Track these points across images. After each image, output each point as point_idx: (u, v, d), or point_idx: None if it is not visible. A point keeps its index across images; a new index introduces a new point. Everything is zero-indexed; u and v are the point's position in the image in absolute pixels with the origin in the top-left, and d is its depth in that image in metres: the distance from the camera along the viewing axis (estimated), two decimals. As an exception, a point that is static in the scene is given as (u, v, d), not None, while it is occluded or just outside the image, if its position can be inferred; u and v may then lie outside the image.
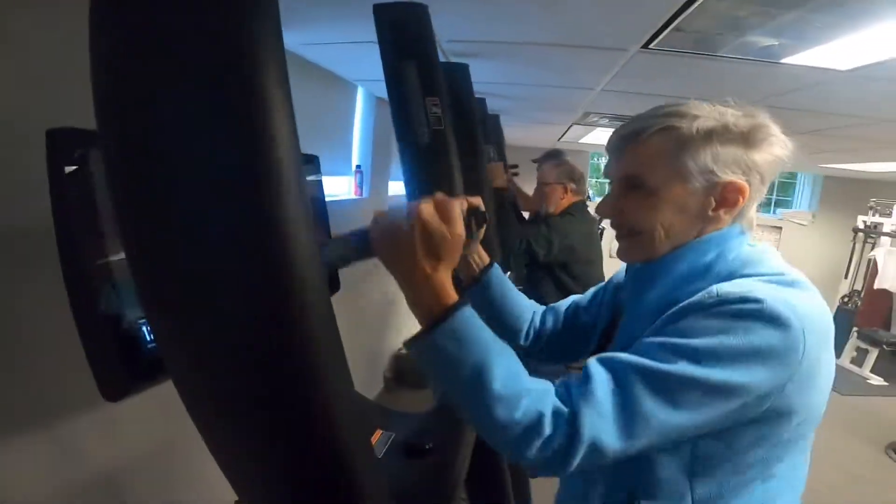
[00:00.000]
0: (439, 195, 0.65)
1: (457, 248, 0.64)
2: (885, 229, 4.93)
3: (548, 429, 0.58)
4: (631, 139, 0.71)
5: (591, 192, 6.04)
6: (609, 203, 0.75)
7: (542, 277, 2.33)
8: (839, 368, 4.83)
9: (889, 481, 3.09)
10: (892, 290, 4.92)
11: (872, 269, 4.99)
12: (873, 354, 4.65)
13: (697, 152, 0.67)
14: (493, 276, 0.95)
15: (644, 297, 0.73)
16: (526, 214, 3.70)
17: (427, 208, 0.62)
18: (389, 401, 3.52)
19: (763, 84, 2.01)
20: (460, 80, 2.11)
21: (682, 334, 0.60)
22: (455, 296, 0.62)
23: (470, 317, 0.61)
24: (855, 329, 4.86)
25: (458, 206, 0.65)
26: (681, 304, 0.64)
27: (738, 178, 0.68)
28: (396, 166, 2.61)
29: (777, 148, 0.69)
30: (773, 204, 6.23)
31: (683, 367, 0.58)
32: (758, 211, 0.78)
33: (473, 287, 0.94)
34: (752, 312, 0.58)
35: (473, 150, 1.87)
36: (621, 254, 0.77)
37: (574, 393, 0.60)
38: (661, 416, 0.58)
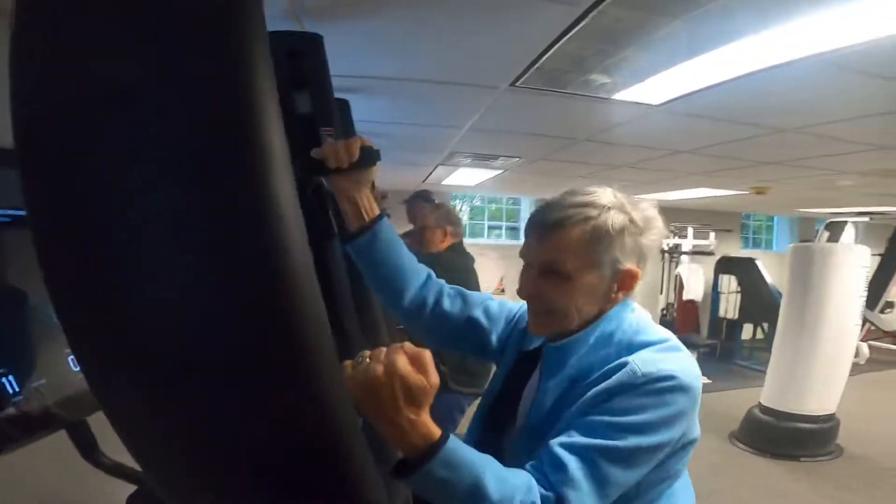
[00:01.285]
0: (409, 346, 0.65)
1: (433, 394, 0.65)
2: (684, 249, 6.07)
3: None
4: (554, 228, 0.79)
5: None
6: (529, 284, 0.83)
7: None
8: None
9: (750, 466, 3.41)
10: (696, 300, 6.01)
11: (679, 284, 6.05)
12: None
13: (610, 246, 0.78)
14: (381, 227, 0.93)
15: (561, 373, 0.82)
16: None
17: (403, 362, 0.62)
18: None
19: (598, 119, 2.42)
20: (343, 116, 2.14)
21: (625, 413, 0.71)
22: (437, 430, 0.65)
23: (455, 444, 0.66)
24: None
25: (429, 355, 0.66)
26: (608, 383, 0.74)
27: (634, 265, 0.81)
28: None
29: (659, 232, 0.83)
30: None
31: (633, 441, 0.70)
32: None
33: (363, 235, 0.92)
34: (671, 388, 0.72)
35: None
36: (535, 328, 0.87)
37: (554, 480, 0.69)
38: (623, 480, 0.71)
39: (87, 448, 0.72)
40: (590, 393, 0.74)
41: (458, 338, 1.02)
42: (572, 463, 0.69)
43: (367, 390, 0.61)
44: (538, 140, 2.87)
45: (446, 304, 1.00)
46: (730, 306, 6.47)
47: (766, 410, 3.64)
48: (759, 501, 2.93)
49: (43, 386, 0.63)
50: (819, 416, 3.49)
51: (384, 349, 0.63)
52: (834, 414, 3.55)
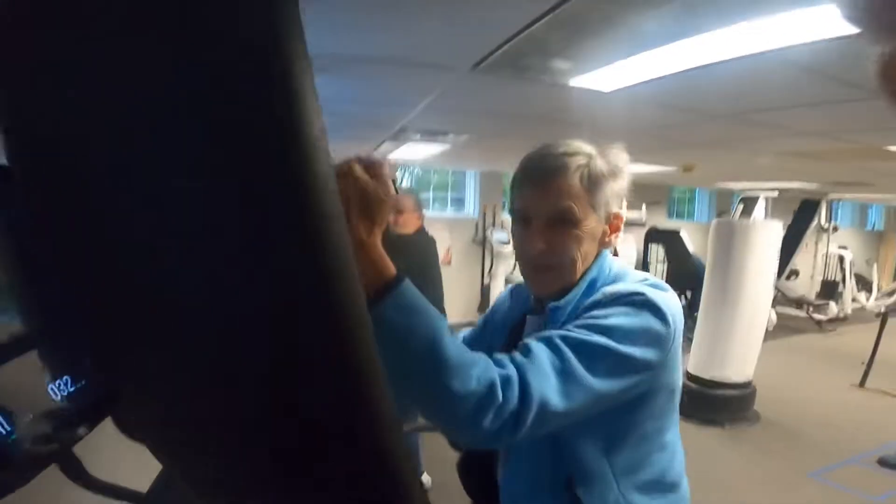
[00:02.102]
0: (364, 152, 0.60)
1: (388, 211, 0.59)
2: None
3: (500, 396, 0.60)
4: (557, 175, 0.79)
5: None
6: (536, 239, 0.80)
7: None
8: None
9: (681, 433, 3.69)
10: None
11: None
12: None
13: (603, 189, 0.80)
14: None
15: (557, 304, 0.82)
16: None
17: (358, 167, 0.56)
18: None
19: (553, 103, 2.45)
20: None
21: (594, 318, 0.72)
22: (392, 266, 0.59)
23: (412, 286, 0.60)
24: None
25: (386, 166, 0.60)
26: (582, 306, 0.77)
27: (619, 208, 0.85)
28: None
29: (628, 175, 0.85)
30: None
31: (599, 339, 0.69)
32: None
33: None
34: (641, 302, 0.73)
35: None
36: (542, 287, 0.85)
37: (518, 361, 0.65)
38: (588, 382, 0.67)
39: (77, 473, 0.67)
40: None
41: None
42: (539, 347, 0.67)
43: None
44: (491, 119, 2.88)
45: None
46: (658, 275, 6.95)
47: (692, 378, 3.95)
48: (695, 467, 3.21)
49: (31, 421, 0.58)
50: (740, 384, 3.86)
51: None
52: (751, 381, 3.94)
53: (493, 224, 6.61)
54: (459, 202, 7.11)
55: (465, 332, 1.07)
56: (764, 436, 3.66)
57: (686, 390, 3.93)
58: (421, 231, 2.50)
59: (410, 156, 4.53)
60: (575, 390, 0.66)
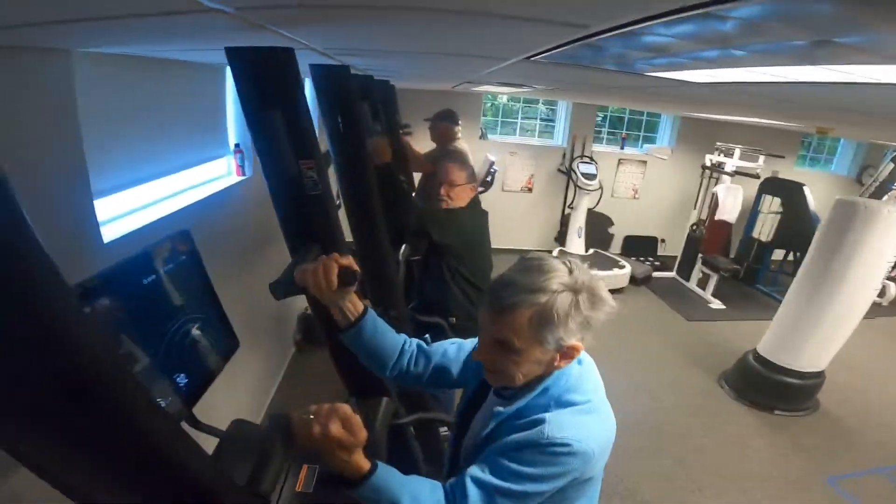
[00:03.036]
0: (343, 411, 0.85)
1: (361, 443, 0.86)
2: (727, 169, 5.65)
3: None
4: (506, 310, 0.90)
5: (483, 131, 6.07)
6: (483, 349, 0.98)
7: (437, 266, 2.42)
8: (688, 293, 5.54)
9: (725, 412, 3.52)
10: (730, 221, 5.76)
11: (714, 203, 5.76)
12: (713, 280, 5.53)
13: (556, 328, 0.89)
14: (365, 323, 1.12)
15: (501, 410, 0.98)
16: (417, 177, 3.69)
17: (336, 427, 0.83)
18: (303, 361, 3.55)
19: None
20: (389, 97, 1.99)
21: (525, 464, 0.89)
22: (366, 463, 0.88)
23: (380, 474, 0.88)
24: (700, 255, 5.69)
25: (357, 418, 0.86)
26: (523, 435, 0.91)
27: (578, 340, 0.92)
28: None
29: (607, 309, 0.92)
30: (640, 140, 6.80)
31: (525, 486, 0.89)
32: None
33: (348, 331, 1.12)
34: (566, 453, 0.89)
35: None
36: (488, 379, 1.02)
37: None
38: None
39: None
40: (510, 438, 0.92)
41: (430, 383, 1.21)
42: (475, 495, 0.89)
43: (308, 441, 0.84)
44: (577, 81, 2.57)
45: (416, 366, 1.19)
46: (766, 228, 6.22)
47: (758, 359, 3.72)
48: (718, 449, 3.16)
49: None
50: (807, 373, 3.56)
51: (326, 407, 0.85)
52: (823, 371, 3.60)
53: (582, 155, 6.16)
54: (549, 129, 6.65)
55: (450, 345, 1.22)
56: (808, 429, 3.45)
57: (748, 370, 3.80)
58: (472, 203, 2.44)
59: (496, 90, 4.23)
60: None
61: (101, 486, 0.54)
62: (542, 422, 0.90)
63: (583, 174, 5.81)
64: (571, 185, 6.18)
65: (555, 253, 5.74)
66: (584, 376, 1.00)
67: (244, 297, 2.34)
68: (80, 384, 0.45)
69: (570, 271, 0.91)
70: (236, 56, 1.05)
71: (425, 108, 3.80)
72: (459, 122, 3.62)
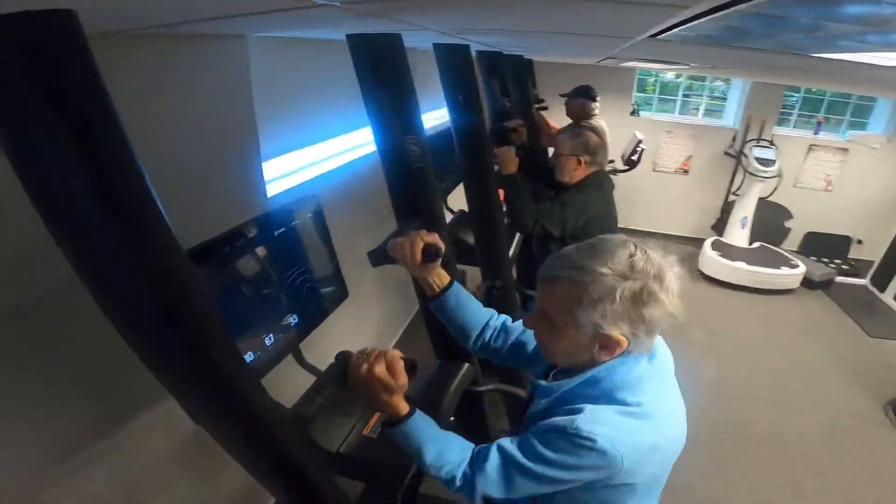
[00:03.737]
0: (391, 354, 0.97)
1: (401, 387, 0.97)
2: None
3: (458, 483, 0.97)
4: (548, 282, 0.93)
5: (635, 107, 5.67)
6: (531, 321, 1.00)
7: (549, 243, 2.37)
8: (879, 306, 4.60)
9: (876, 441, 2.95)
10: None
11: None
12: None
13: (589, 311, 0.87)
14: (451, 295, 1.20)
15: (550, 397, 0.99)
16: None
17: (380, 368, 0.95)
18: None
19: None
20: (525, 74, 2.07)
21: (547, 446, 0.90)
22: (405, 407, 0.98)
23: (412, 422, 0.97)
24: (903, 262, 4.68)
25: (400, 363, 0.97)
26: (558, 420, 0.90)
27: (620, 333, 0.88)
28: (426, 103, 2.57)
29: (664, 306, 0.87)
30: (844, 125, 5.66)
31: (539, 467, 0.91)
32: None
33: (433, 301, 1.21)
34: (588, 447, 0.86)
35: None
36: (541, 352, 1.04)
37: (477, 467, 0.96)
38: (525, 487, 0.94)
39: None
40: (548, 420, 0.92)
41: (508, 358, 1.24)
42: (494, 461, 0.95)
43: (356, 382, 0.95)
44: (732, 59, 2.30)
45: (496, 341, 1.24)
46: None
47: None
48: (847, 477, 2.67)
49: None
50: None
51: (377, 350, 0.97)
52: None
53: (759, 139, 5.38)
54: (719, 107, 5.91)
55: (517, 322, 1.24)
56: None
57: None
58: (588, 180, 2.34)
59: (645, 66, 3.92)
60: (513, 490, 0.96)
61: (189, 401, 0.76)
62: (579, 411, 0.88)
63: (757, 159, 5.10)
64: (740, 171, 5.47)
65: (708, 242, 5.19)
66: (649, 377, 0.93)
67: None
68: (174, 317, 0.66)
69: (632, 258, 0.86)
70: (353, 41, 1.21)
71: (570, 82, 3.68)
72: (597, 98, 3.45)
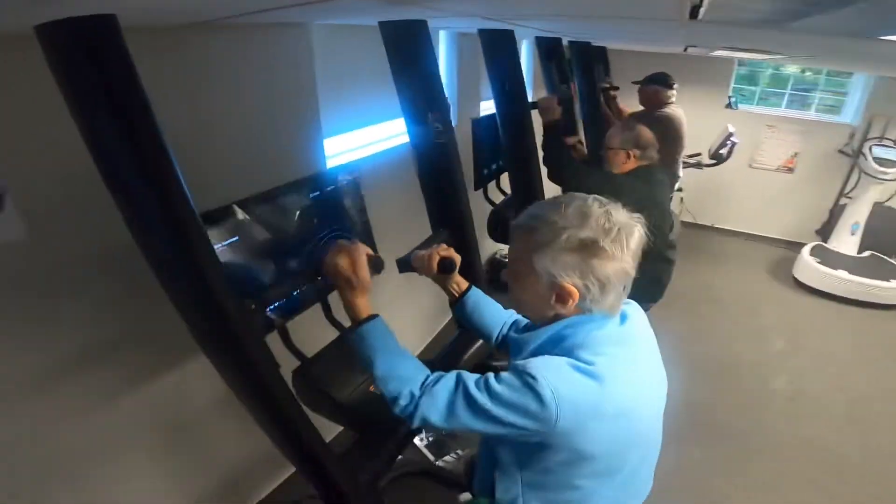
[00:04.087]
0: (356, 248, 1.05)
1: (363, 285, 1.03)
2: None
3: (402, 402, 0.95)
4: (512, 231, 0.96)
5: (732, 101, 5.26)
6: (506, 275, 1.01)
7: None
8: None
9: None
10: None
11: None
12: None
13: (541, 257, 0.88)
14: (468, 299, 1.27)
15: (520, 355, 0.97)
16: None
17: (344, 263, 1.04)
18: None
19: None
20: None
21: (498, 381, 0.88)
22: (366, 310, 1.02)
23: (371, 326, 1.00)
24: None
25: (364, 256, 1.04)
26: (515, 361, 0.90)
27: (572, 283, 0.88)
28: (486, 89, 2.65)
29: (618, 262, 0.87)
30: None
31: (483, 400, 0.88)
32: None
33: (454, 305, 1.29)
34: (528, 384, 0.84)
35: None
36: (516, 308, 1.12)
37: (426, 388, 0.94)
38: (464, 418, 0.90)
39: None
40: None
41: None
42: (446, 384, 0.93)
43: (325, 269, 1.06)
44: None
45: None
46: None
47: None
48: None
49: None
50: None
51: (345, 243, 1.06)
52: None
53: (882, 137, 4.75)
54: (837, 102, 5.28)
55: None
56: None
57: None
58: (635, 173, 2.24)
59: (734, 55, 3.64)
60: (453, 419, 0.92)
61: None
62: (537, 356, 0.89)
63: (877, 159, 4.52)
64: (855, 172, 4.88)
65: (808, 248, 4.72)
66: (612, 341, 0.91)
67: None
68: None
69: (586, 210, 0.87)
70: (384, 27, 1.36)
71: (651, 71, 3.53)
72: (674, 85, 3.29)
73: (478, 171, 2.45)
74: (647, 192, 2.23)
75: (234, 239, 1.19)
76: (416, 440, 2.48)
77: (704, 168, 4.52)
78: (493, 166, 2.53)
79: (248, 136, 1.62)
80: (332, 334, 1.51)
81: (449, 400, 0.91)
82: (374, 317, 1.03)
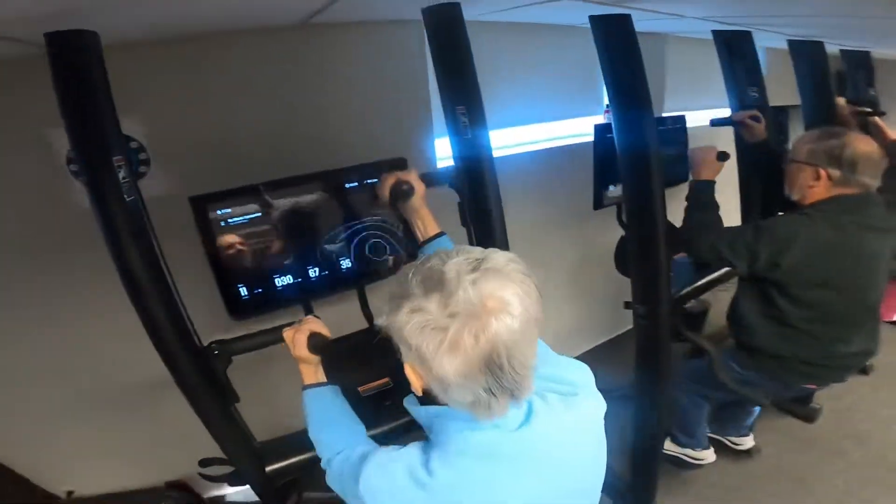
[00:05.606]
0: (303, 326, 1.04)
1: (302, 359, 1.04)
2: None
3: (322, 466, 0.97)
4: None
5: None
6: None
7: (746, 289, 1.76)
8: None
9: None
10: None
11: None
12: None
13: (400, 337, 0.67)
14: (431, 246, 1.19)
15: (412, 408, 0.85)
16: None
17: (287, 335, 1.06)
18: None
19: None
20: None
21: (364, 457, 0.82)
22: (308, 378, 1.05)
23: (307, 395, 1.03)
24: None
25: (302, 337, 1.02)
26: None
27: (418, 374, 0.69)
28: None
29: (461, 355, 0.62)
30: None
31: (339, 482, 0.91)
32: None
33: (420, 247, 1.23)
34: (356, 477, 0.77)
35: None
36: None
37: (338, 458, 0.93)
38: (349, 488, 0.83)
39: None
40: None
41: None
42: (351, 458, 0.87)
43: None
44: None
45: None
46: None
47: None
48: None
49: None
50: None
51: (307, 319, 1.06)
52: None
53: None
54: None
55: None
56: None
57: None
58: (830, 203, 1.59)
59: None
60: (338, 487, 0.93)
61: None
62: (407, 444, 0.77)
63: None
64: None
65: None
66: (477, 448, 0.70)
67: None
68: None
69: (434, 282, 0.64)
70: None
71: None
72: (876, 101, 2.53)
73: (598, 187, 2.01)
74: (833, 239, 1.53)
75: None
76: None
77: None
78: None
79: (364, 135, 1.80)
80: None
81: (340, 467, 0.93)
82: (310, 386, 1.04)
